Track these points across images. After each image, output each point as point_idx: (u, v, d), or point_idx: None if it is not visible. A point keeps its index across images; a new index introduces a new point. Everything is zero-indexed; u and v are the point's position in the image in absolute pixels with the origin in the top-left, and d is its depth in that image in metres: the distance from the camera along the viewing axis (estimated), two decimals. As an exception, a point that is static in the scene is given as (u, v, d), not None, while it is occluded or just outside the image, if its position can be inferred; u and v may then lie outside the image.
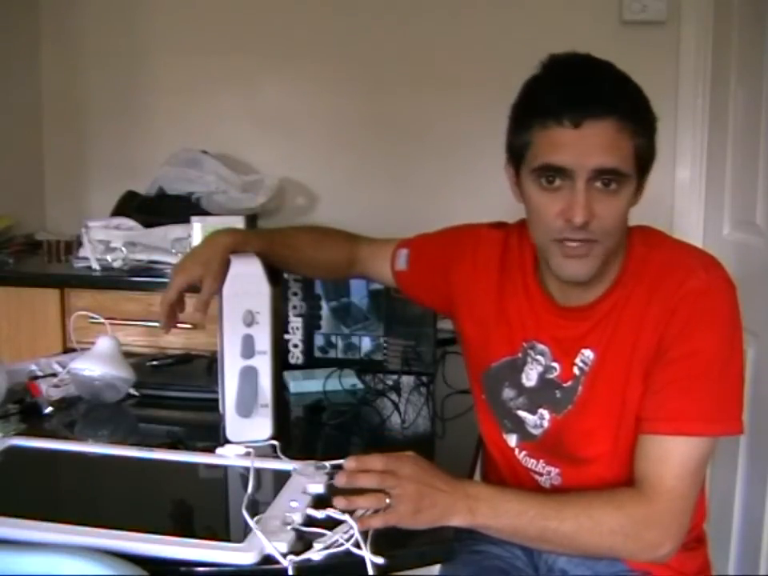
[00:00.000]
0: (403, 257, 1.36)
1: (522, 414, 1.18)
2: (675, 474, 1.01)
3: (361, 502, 0.96)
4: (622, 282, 1.10)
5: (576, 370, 1.12)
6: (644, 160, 1.05)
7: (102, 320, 1.54)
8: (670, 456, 1.02)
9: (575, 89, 1.02)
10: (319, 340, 1.71)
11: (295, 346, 1.71)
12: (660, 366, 1.04)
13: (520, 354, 1.18)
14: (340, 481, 0.98)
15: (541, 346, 1.15)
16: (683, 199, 2.11)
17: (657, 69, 2.08)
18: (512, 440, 1.21)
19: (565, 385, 1.13)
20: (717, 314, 1.04)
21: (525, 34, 2.14)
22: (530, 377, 1.17)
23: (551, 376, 1.15)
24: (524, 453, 1.20)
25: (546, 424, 1.15)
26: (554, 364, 1.14)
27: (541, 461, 1.18)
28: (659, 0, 2.08)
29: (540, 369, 1.16)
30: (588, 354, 1.11)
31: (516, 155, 1.08)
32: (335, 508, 0.95)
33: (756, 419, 1.57)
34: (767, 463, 1.59)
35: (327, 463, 1.07)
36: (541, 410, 1.16)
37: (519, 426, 1.19)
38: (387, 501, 0.95)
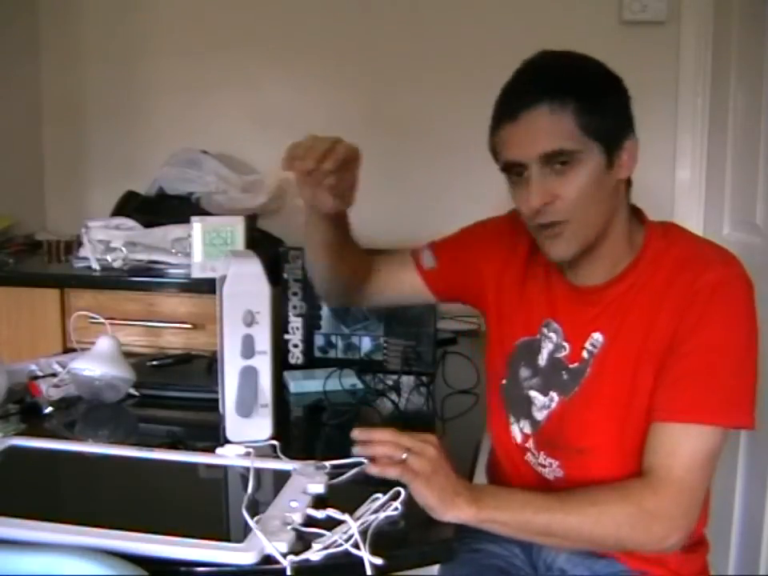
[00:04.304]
0: (428, 256, 1.34)
1: (533, 393, 1.18)
2: (685, 466, 1.01)
3: (378, 448, 0.99)
4: (636, 270, 1.11)
5: (585, 354, 1.13)
6: (601, 133, 1.05)
7: (102, 320, 1.54)
8: (681, 446, 1.02)
9: (513, 86, 1.09)
10: (319, 340, 1.71)
11: (295, 345, 1.71)
12: (674, 358, 1.05)
13: (538, 335, 1.19)
14: (354, 433, 1.02)
15: (555, 324, 1.17)
16: (683, 199, 2.11)
17: (657, 69, 2.08)
18: (516, 430, 1.21)
19: (571, 366, 1.14)
20: (733, 307, 1.05)
21: (525, 34, 2.13)
22: (543, 356, 1.18)
23: (559, 355, 1.16)
24: (526, 444, 1.20)
25: (553, 405, 1.16)
26: (565, 344, 1.15)
27: (542, 453, 1.18)
28: (659, 0, 2.08)
29: (551, 347, 1.17)
30: (597, 337, 1.12)
31: (497, 162, 1.14)
32: (335, 508, 0.95)
33: (756, 419, 1.56)
34: (767, 463, 1.59)
35: (327, 463, 1.07)
36: (551, 393, 1.16)
37: (526, 409, 1.19)
38: (404, 455, 0.97)
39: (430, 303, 1.47)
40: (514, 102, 1.07)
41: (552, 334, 1.17)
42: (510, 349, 1.23)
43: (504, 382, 1.24)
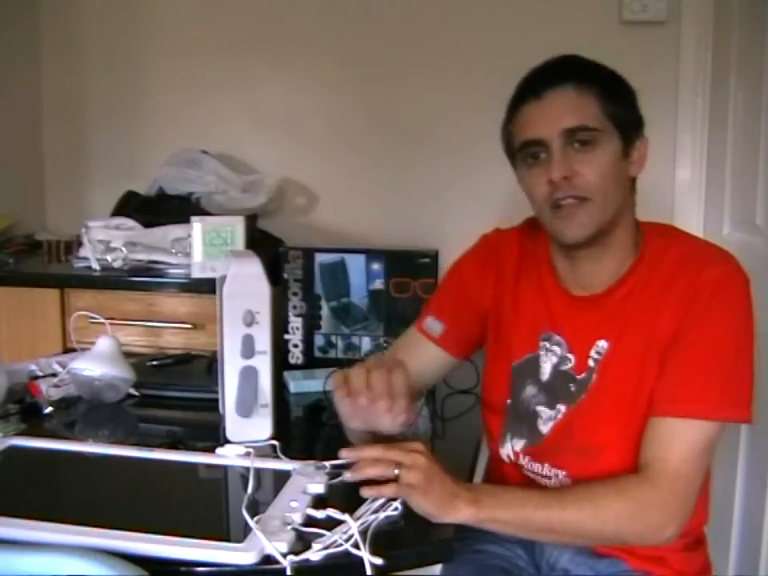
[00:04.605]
0: (433, 322, 1.28)
1: (540, 408, 1.18)
2: (681, 457, 1.02)
3: (369, 470, 0.97)
4: (637, 272, 1.12)
5: (591, 362, 1.13)
6: (620, 122, 1.09)
7: (102, 320, 1.54)
8: (678, 438, 1.03)
9: (536, 72, 1.12)
10: (319, 340, 1.71)
11: (295, 345, 1.71)
12: (675, 352, 1.06)
13: (537, 350, 1.19)
14: (344, 453, 1.01)
15: (557, 337, 1.17)
16: (683, 199, 2.10)
17: (657, 69, 2.08)
18: (519, 446, 1.21)
19: (579, 377, 1.14)
20: (734, 303, 1.07)
21: (525, 34, 2.13)
22: (546, 370, 1.18)
23: (565, 368, 1.15)
24: (528, 458, 1.19)
25: (559, 416, 1.16)
26: (569, 355, 1.15)
27: (546, 464, 1.17)
28: (659, 0, 2.07)
29: (555, 360, 1.17)
30: (602, 344, 1.12)
31: (509, 150, 1.15)
32: (335, 508, 0.95)
33: (756, 419, 1.56)
34: (767, 463, 1.59)
35: (327, 463, 1.07)
36: (559, 405, 1.16)
37: (530, 424, 1.18)
38: (396, 471, 0.96)
39: (450, 370, 1.34)
40: (538, 83, 1.09)
41: (555, 347, 1.17)
42: (512, 369, 1.22)
43: (509, 401, 1.22)
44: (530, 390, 1.19)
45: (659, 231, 1.16)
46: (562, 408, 1.16)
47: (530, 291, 1.21)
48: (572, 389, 1.15)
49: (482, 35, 2.21)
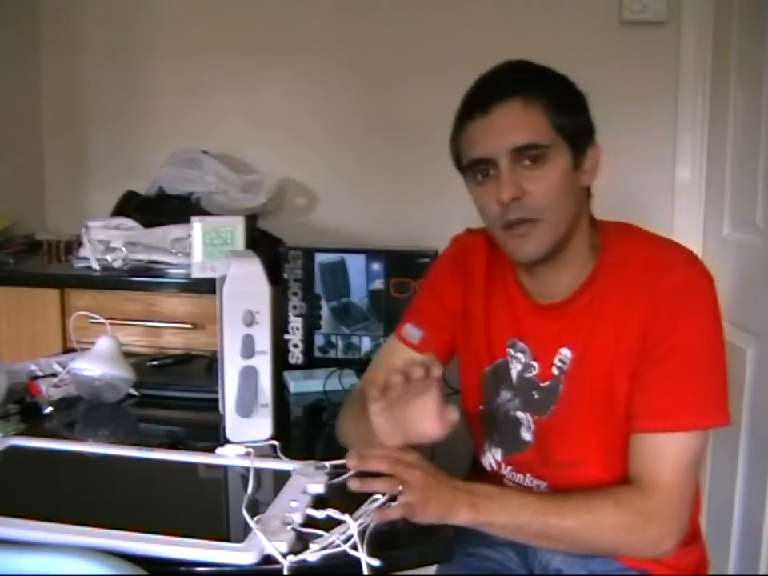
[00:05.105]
0: (412, 329, 1.27)
1: (519, 414, 1.18)
2: (671, 470, 1.02)
3: (376, 485, 0.96)
4: (599, 278, 1.10)
5: (555, 370, 1.12)
6: (570, 133, 1.06)
7: (102, 320, 1.54)
8: (665, 453, 1.02)
9: (481, 86, 1.10)
10: (319, 340, 1.71)
11: (295, 345, 1.71)
12: (648, 363, 1.05)
13: (505, 356, 1.18)
14: (351, 463, 1.00)
15: (521, 344, 1.16)
16: (683, 199, 2.11)
17: (657, 69, 2.08)
18: (498, 455, 1.21)
19: (543, 385, 1.13)
20: (700, 306, 1.05)
21: (525, 35, 2.13)
22: (513, 377, 1.17)
23: (529, 375, 1.15)
24: (510, 468, 1.19)
25: (533, 426, 1.16)
26: (533, 363, 1.15)
27: (528, 475, 1.17)
28: (659, 0, 2.08)
29: (520, 367, 1.16)
30: (566, 352, 1.11)
31: (459, 168, 1.12)
32: (335, 508, 0.95)
33: (756, 419, 1.57)
34: (767, 463, 1.59)
35: (327, 463, 1.07)
36: (526, 414, 1.16)
37: (512, 432, 1.18)
38: (400, 487, 0.95)
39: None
40: (484, 96, 1.07)
41: (519, 354, 1.16)
42: (484, 374, 1.21)
43: (482, 407, 1.22)
44: (505, 395, 1.19)
45: (619, 233, 1.13)
46: (529, 417, 1.16)
47: (497, 297, 1.20)
48: (535, 396, 1.14)
49: (481, 36, 2.21)
